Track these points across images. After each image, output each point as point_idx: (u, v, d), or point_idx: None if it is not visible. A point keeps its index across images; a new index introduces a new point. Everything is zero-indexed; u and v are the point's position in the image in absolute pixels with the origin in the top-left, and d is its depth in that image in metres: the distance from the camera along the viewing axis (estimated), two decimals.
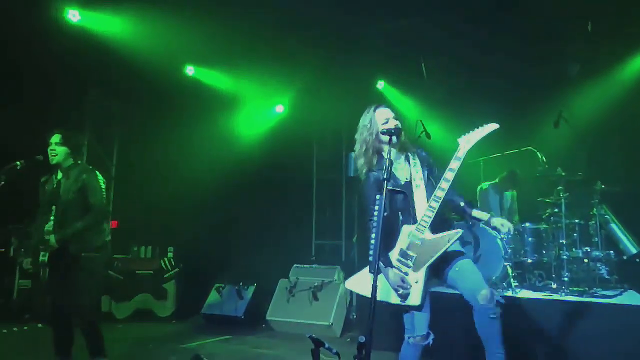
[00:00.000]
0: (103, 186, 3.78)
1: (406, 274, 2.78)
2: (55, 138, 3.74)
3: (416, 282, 2.77)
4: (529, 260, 5.04)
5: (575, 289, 4.69)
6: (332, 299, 5.71)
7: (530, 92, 6.34)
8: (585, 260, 4.94)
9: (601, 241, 5.06)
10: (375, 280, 2.54)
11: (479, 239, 4.94)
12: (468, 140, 2.94)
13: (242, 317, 6.08)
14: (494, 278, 4.77)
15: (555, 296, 4.56)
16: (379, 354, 4.64)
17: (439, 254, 2.74)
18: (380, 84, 7.45)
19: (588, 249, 4.94)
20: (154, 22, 5.49)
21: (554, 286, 4.78)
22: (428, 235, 2.77)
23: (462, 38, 6.14)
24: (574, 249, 4.91)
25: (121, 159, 7.50)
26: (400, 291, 2.74)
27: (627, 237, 5.13)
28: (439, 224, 2.81)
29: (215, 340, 5.38)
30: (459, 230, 2.77)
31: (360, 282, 2.93)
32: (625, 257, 5.11)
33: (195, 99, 6.94)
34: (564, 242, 4.80)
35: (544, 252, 5.05)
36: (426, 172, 3.00)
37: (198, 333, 5.70)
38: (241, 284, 6.36)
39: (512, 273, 4.82)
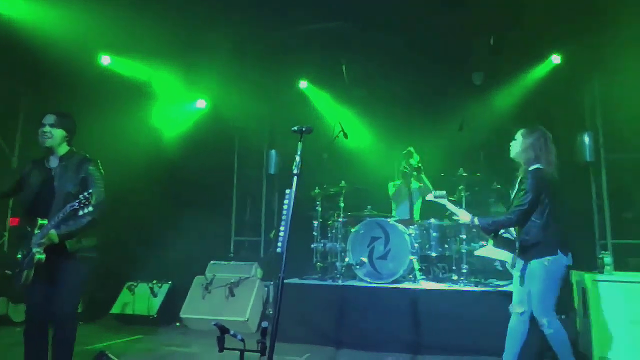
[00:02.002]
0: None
1: None
2: (50, 119, 3.36)
3: None
4: (434, 254, 5.43)
5: (473, 279, 5.13)
6: (248, 294, 5.74)
7: (439, 98, 6.81)
8: None
9: (495, 236, 5.55)
10: (282, 270, 2.66)
11: (389, 235, 5.22)
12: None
13: (155, 316, 5.92)
14: (401, 271, 5.08)
15: (456, 287, 4.97)
16: (291, 346, 4.81)
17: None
18: (304, 84, 7.60)
19: (485, 243, 5.41)
20: (64, 7, 5.17)
21: (455, 278, 5.20)
22: None
23: (380, 45, 6.47)
24: (472, 244, 5.36)
25: (25, 151, 6.98)
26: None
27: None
28: None
29: (125, 340, 5.20)
30: None
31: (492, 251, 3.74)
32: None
33: (111, 90, 6.61)
34: (464, 237, 5.22)
35: (447, 246, 5.47)
36: None
37: (107, 334, 5.46)
38: (155, 282, 6.19)
39: (418, 266, 5.17)
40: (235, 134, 8.19)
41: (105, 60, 6.41)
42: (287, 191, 2.84)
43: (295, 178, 2.82)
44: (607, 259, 4.37)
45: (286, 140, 6.76)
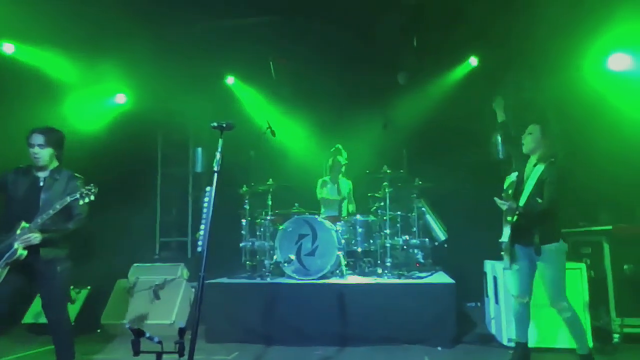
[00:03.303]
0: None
1: None
2: (38, 139, 3.42)
3: None
4: (359, 249, 5.58)
5: (397, 272, 5.33)
6: (174, 297, 5.57)
7: (364, 97, 7.00)
8: (405, 248, 5.65)
9: (419, 230, 5.84)
10: (203, 270, 2.61)
11: (317, 232, 5.29)
12: None
13: (73, 323, 5.54)
14: (329, 267, 5.17)
15: (380, 280, 5.14)
16: (221, 346, 4.74)
17: None
18: (231, 80, 7.48)
19: (407, 237, 5.67)
20: None
21: (380, 271, 5.38)
22: None
23: (307, 42, 6.53)
24: (396, 238, 5.58)
25: None
26: None
27: (438, 226, 5.98)
28: None
29: (37, 351, 4.84)
30: None
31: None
32: (436, 244, 5.96)
33: (16, 81, 6.08)
34: (388, 232, 5.42)
35: (372, 241, 5.64)
36: None
37: (17, 345, 5.06)
38: (72, 287, 5.81)
39: (344, 262, 5.30)
40: (159, 130, 7.88)
41: (8, 48, 5.89)
42: (208, 189, 2.80)
43: (215, 175, 2.78)
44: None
45: (214, 137, 6.58)
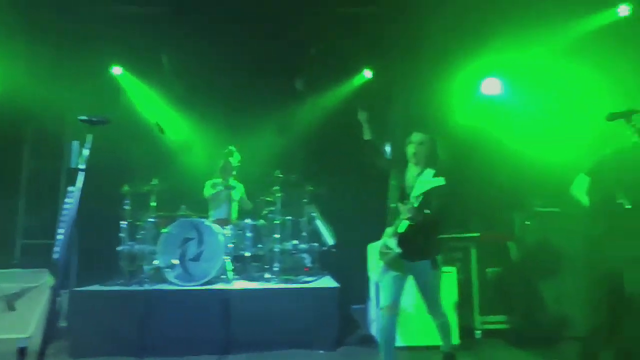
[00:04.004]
0: None
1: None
2: None
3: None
4: (247, 254, 5.47)
5: (284, 277, 5.32)
6: (34, 307, 4.93)
7: (261, 100, 6.92)
8: (294, 252, 5.67)
9: (308, 235, 5.89)
10: (60, 279, 2.32)
11: (203, 235, 5.08)
12: None
13: None
14: (214, 272, 4.99)
15: (268, 285, 5.08)
16: None
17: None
18: (118, 70, 6.91)
19: (297, 242, 5.69)
20: None
21: (268, 276, 5.33)
22: None
23: (203, 40, 6.29)
24: (285, 243, 5.57)
25: None
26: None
27: (327, 231, 6.10)
28: None
29: None
30: None
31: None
32: (325, 248, 6.07)
33: None
34: (278, 236, 5.38)
35: (261, 245, 5.58)
36: None
37: None
38: None
39: (231, 266, 5.15)
40: (28, 122, 6.99)
41: None
42: (70, 189, 2.50)
43: (81, 174, 2.50)
44: None
45: (96, 130, 6.00)
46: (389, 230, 3.48)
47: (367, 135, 3.76)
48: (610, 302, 3.46)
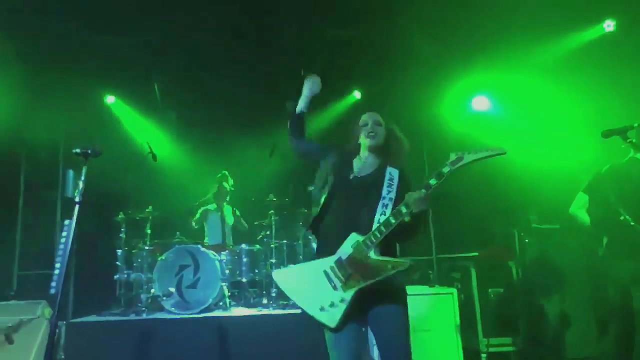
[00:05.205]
0: None
1: (335, 287, 2.34)
2: None
3: (341, 301, 2.31)
4: (244, 280, 5.45)
5: (282, 302, 5.27)
6: (32, 340, 4.86)
7: (252, 124, 6.98)
8: None
9: (305, 258, 5.86)
10: (56, 311, 2.31)
11: (199, 262, 5.06)
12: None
13: None
14: (211, 299, 4.95)
15: (265, 310, 5.05)
16: None
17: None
18: (111, 99, 7.00)
19: (292, 265, 5.65)
20: None
21: (265, 302, 5.29)
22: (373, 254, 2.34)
23: (193, 67, 6.40)
24: (282, 266, 5.54)
25: None
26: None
27: None
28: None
29: None
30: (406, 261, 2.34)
31: (288, 279, 2.51)
32: None
33: None
34: (274, 260, 5.37)
35: (257, 270, 5.55)
36: None
37: None
38: None
39: (227, 293, 5.12)
40: (23, 151, 7.00)
41: None
42: (67, 222, 2.51)
43: (77, 207, 2.51)
44: None
45: (90, 162, 6.00)
46: None
47: (300, 107, 2.87)
48: (619, 320, 3.41)
